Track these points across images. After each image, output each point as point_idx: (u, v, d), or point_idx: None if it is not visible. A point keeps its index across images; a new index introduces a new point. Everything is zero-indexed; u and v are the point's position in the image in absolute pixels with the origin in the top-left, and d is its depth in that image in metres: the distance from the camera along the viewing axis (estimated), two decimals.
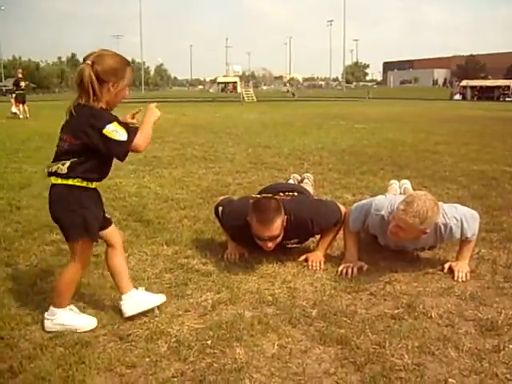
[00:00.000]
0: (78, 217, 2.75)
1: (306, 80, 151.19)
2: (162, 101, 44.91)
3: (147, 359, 2.62)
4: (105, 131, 2.63)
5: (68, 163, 2.72)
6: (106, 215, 2.97)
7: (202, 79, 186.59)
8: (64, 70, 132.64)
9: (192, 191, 6.43)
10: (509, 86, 53.04)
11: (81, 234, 2.79)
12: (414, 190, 6.48)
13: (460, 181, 7.11)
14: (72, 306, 2.99)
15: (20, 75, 23.31)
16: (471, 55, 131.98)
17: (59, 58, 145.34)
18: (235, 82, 74.66)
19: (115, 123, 2.66)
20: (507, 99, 49.00)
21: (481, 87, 55.30)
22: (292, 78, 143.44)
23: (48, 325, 2.89)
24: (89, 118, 2.65)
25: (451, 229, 3.69)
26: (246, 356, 2.63)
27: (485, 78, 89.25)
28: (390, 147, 10.83)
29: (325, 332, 2.86)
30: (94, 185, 2.82)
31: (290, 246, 4.13)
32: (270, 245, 3.70)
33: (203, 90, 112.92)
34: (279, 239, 3.74)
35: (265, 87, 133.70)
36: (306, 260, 3.97)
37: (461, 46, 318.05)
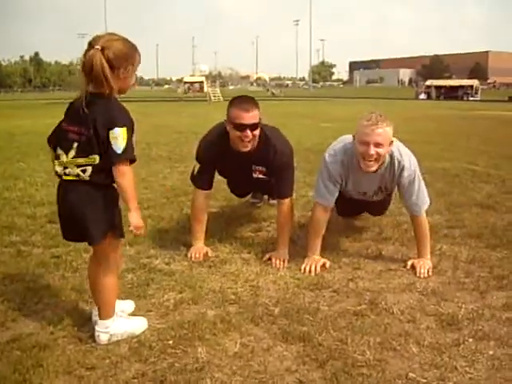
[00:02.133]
0: (107, 214, 2.65)
1: (272, 79, 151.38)
2: (126, 100, 44.51)
3: (107, 361, 2.57)
4: (111, 132, 2.49)
5: (89, 171, 2.56)
6: None
7: (168, 78, 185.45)
8: (27, 69, 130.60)
9: (156, 191, 6.37)
10: (472, 86, 53.93)
11: (108, 233, 2.67)
12: None
13: (424, 178, 7.14)
14: (119, 312, 2.88)
15: None
16: (435, 55, 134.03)
17: (22, 57, 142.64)
18: (202, 82, 74.40)
19: (124, 129, 2.53)
20: (471, 98, 49.81)
21: (445, 87, 56.10)
22: (259, 78, 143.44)
23: (104, 338, 2.72)
24: (104, 113, 2.51)
25: (403, 169, 3.82)
26: (207, 355, 2.61)
27: (449, 77, 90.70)
28: None
29: (287, 330, 2.85)
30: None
31: (256, 175, 4.13)
32: (249, 134, 3.77)
33: (170, 89, 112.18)
34: (256, 133, 3.84)
35: (231, 87, 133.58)
36: (270, 259, 3.95)
37: (427, 46, 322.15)
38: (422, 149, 10.42)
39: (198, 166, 4.20)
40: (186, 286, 3.45)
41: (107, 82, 2.47)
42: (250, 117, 3.77)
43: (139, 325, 2.86)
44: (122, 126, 2.51)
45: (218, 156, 4.06)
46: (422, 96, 53.71)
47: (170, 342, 2.73)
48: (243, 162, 4.03)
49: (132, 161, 2.61)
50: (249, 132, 3.79)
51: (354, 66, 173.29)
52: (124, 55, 2.53)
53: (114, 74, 2.51)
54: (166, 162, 8.81)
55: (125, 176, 2.56)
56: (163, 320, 3.00)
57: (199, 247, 4.10)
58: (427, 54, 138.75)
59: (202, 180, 4.21)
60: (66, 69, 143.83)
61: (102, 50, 2.46)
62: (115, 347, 2.69)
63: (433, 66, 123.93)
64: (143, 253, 4.10)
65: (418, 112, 26.01)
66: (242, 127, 3.78)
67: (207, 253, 4.07)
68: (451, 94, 52.86)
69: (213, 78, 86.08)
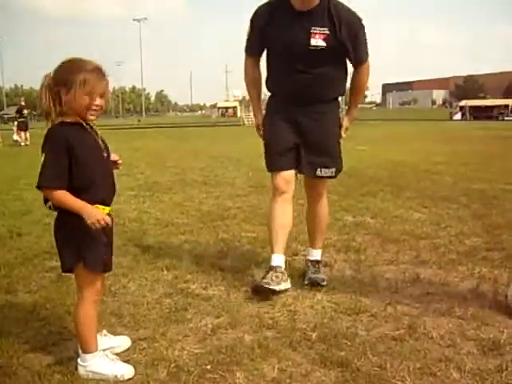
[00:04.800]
0: (74, 244, 2.58)
1: None
2: (161, 126, 45.35)
3: None
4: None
5: None
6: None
7: (202, 104, 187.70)
8: None
9: (192, 216, 6.43)
10: (507, 106, 53.26)
11: (77, 264, 2.59)
12: (415, 211, 6.52)
13: (460, 200, 7.11)
14: (107, 352, 2.78)
15: (23, 103, 23.88)
16: (469, 75, 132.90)
17: None
18: (235, 107, 75.11)
19: (43, 156, 2.47)
20: (506, 118, 49.19)
21: (479, 107, 55.53)
22: None
23: (81, 371, 2.68)
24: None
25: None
26: (245, 380, 2.61)
27: (483, 97, 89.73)
28: (389, 168, 10.86)
29: (325, 355, 2.83)
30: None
31: (315, 41, 3.52)
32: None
33: (204, 115, 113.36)
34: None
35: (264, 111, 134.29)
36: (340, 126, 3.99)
37: (460, 65, 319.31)
38: (457, 170, 10.36)
39: (249, 30, 3.84)
40: (224, 311, 3.46)
41: (53, 105, 2.50)
42: None
43: (124, 371, 2.68)
44: (43, 153, 2.49)
45: (273, 18, 3.64)
46: (457, 117, 53.26)
47: (208, 366, 2.74)
48: (301, 24, 3.55)
49: (47, 187, 2.48)
50: None
51: (386, 88, 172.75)
52: (63, 77, 2.48)
53: (57, 98, 2.49)
54: (202, 186, 8.89)
55: (53, 201, 2.53)
56: (201, 345, 3.01)
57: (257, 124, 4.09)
58: (460, 75, 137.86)
59: (251, 44, 3.87)
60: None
61: (50, 75, 2.52)
62: (154, 372, 2.71)
63: (466, 87, 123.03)
64: (180, 278, 4.13)
65: (453, 133, 25.75)
66: None
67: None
68: (486, 113, 52.31)
69: (246, 102, 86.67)
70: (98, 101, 2.54)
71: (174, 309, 3.51)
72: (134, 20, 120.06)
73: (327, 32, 3.51)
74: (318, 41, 3.52)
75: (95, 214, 2.46)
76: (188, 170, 11.26)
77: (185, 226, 5.82)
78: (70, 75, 2.48)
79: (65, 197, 2.47)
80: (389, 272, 4.18)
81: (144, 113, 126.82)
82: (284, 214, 3.88)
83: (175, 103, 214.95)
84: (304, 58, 3.59)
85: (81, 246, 2.57)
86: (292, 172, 3.89)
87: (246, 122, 43.99)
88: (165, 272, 4.24)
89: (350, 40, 3.56)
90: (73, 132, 2.52)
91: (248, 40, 3.86)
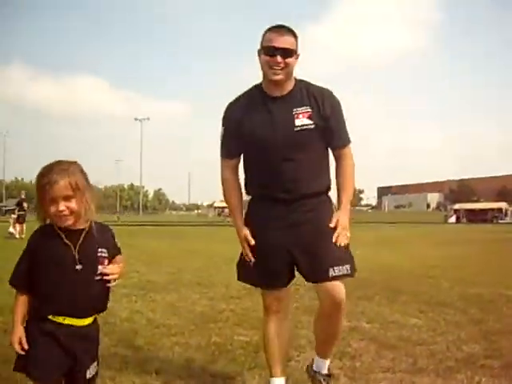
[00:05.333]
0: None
1: None
2: (159, 225, 45.49)
3: None
4: None
5: None
6: (88, 374, 2.62)
7: (199, 203, 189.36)
8: None
9: (185, 317, 6.30)
10: (501, 209, 53.89)
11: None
12: (411, 317, 6.42)
13: (457, 305, 7.02)
14: None
15: (23, 196, 24.44)
16: (461, 180, 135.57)
17: None
18: None
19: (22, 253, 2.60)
20: (500, 221, 49.64)
21: (474, 210, 56.18)
22: None
23: None
24: None
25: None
26: None
27: (477, 201, 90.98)
28: (384, 271, 10.80)
29: None
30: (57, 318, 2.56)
31: (300, 120, 3.26)
32: (279, 60, 3.16)
33: (200, 214, 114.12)
34: (290, 62, 3.18)
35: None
36: (334, 228, 3.27)
37: (453, 169, 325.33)
38: (454, 274, 10.32)
39: (222, 131, 3.52)
40: None
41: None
42: (282, 40, 3.22)
43: None
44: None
45: (248, 110, 3.39)
46: (451, 220, 53.74)
47: None
48: (281, 108, 3.32)
49: (14, 285, 2.60)
50: (279, 58, 3.21)
51: (382, 192, 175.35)
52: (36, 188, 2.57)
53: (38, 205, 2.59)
54: (196, 287, 8.77)
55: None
56: None
57: (244, 235, 3.47)
58: (454, 179, 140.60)
59: (227, 147, 3.51)
60: (102, 193, 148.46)
61: None
62: None
63: (460, 190, 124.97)
64: (169, 383, 3.99)
65: (448, 236, 25.88)
66: (271, 50, 3.23)
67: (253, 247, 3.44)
68: (480, 217, 52.91)
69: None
70: (61, 206, 2.47)
71: None
72: (136, 120, 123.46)
73: (309, 110, 3.29)
74: (302, 120, 3.28)
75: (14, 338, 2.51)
76: (183, 269, 11.17)
77: (176, 328, 5.69)
78: (36, 181, 2.55)
79: (16, 303, 2.56)
80: (385, 380, 4.05)
81: (141, 210, 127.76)
82: (280, 334, 3.59)
83: (172, 201, 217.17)
84: (289, 143, 3.27)
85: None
86: (286, 289, 3.57)
87: None
88: (154, 375, 4.10)
89: (333, 117, 3.35)
90: (42, 237, 2.57)
91: (223, 144, 3.53)
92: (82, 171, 2.60)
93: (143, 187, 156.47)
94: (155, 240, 22.90)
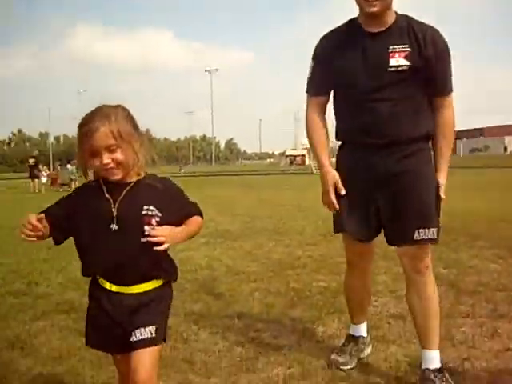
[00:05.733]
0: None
1: None
2: (232, 174, 45.97)
3: None
4: None
5: None
6: (133, 337, 2.20)
7: (270, 152, 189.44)
8: None
9: (262, 264, 6.46)
10: None
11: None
12: (491, 262, 6.30)
13: None
14: None
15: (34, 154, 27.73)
16: None
17: None
18: (303, 155, 75.53)
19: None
20: None
21: None
22: None
23: None
24: None
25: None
26: None
27: None
28: (462, 217, 10.57)
29: None
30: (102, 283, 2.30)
31: (396, 60, 2.88)
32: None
33: (272, 163, 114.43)
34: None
35: (333, 159, 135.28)
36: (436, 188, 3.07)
37: None
38: None
39: (312, 66, 3.20)
40: (295, 361, 3.43)
41: None
42: None
43: None
44: None
45: (341, 44, 3.05)
46: None
47: None
48: (376, 45, 2.96)
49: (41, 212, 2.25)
50: None
51: (457, 136, 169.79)
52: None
53: None
54: (271, 234, 8.92)
55: None
56: None
57: (332, 177, 3.12)
58: None
59: (316, 83, 3.20)
60: (174, 145, 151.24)
61: None
62: None
63: None
64: (251, 326, 4.13)
65: None
66: None
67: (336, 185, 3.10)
68: None
69: None
70: (105, 158, 2.15)
71: (245, 357, 3.51)
72: (206, 71, 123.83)
73: (409, 49, 2.89)
74: (398, 60, 2.89)
75: None
76: (257, 217, 11.34)
77: (255, 274, 5.85)
78: (77, 131, 2.24)
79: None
80: (465, 325, 4.04)
81: (214, 161, 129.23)
82: (362, 285, 3.47)
83: (244, 151, 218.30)
84: (381, 83, 2.93)
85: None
86: (369, 244, 3.27)
87: (314, 171, 43.89)
88: (236, 320, 4.26)
89: (437, 60, 2.93)
90: (85, 188, 2.31)
91: (311, 80, 3.20)
92: (127, 116, 2.24)
93: (215, 138, 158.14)
94: (228, 190, 23.23)
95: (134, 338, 2.18)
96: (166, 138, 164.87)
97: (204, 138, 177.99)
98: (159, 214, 2.20)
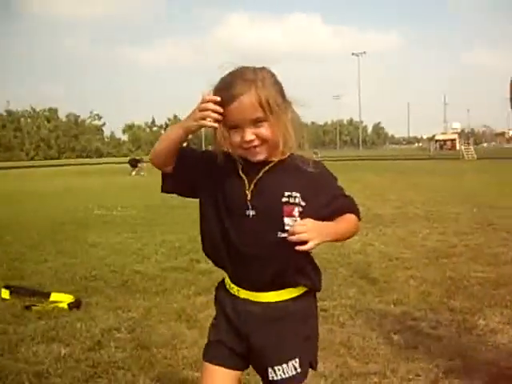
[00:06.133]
0: None
1: None
2: (379, 159, 45.21)
3: None
4: None
5: None
6: (272, 374, 1.77)
7: (419, 137, 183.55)
8: None
9: (417, 251, 6.28)
10: None
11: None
12: None
13: None
14: None
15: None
16: None
17: None
18: (454, 140, 72.53)
19: None
20: None
21: None
22: None
23: None
24: None
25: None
26: None
27: None
28: None
29: None
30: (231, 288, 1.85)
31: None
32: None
33: (421, 147, 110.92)
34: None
35: (485, 144, 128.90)
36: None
37: None
38: None
39: None
40: (456, 354, 3.30)
41: None
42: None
43: None
44: None
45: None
46: None
47: None
48: None
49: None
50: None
51: None
52: None
53: None
54: (424, 221, 8.65)
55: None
56: None
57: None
58: None
59: None
60: (321, 129, 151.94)
61: None
62: None
63: None
64: (408, 314, 4.04)
65: None
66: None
67: None
68: None
69: (465, 135, 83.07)
70: (248, 134, 1.68)
71: (403, 346, 3.44)
72: (353, 54, 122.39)
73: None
74: None
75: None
76: (408, 203, 11.05)
77: (409, 261, 5.71)
78: None
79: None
80: None
81: (361, 145, 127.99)
82: None
83: (392, 135, 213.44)
84: None
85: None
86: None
87: (465, 156, 42.01)
88: (392, 307, 4.19)
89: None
90: (217, 159, 1.78)
91: None
92: (275, 83, 1.75)
93: (362, 122, 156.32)
94: (376, 174, 22.89)
95: (272, 376, 1.77)
96: (312, 122, 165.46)
97: (351, 122, 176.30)
98: (303, 204, 1.71)
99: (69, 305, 4.32)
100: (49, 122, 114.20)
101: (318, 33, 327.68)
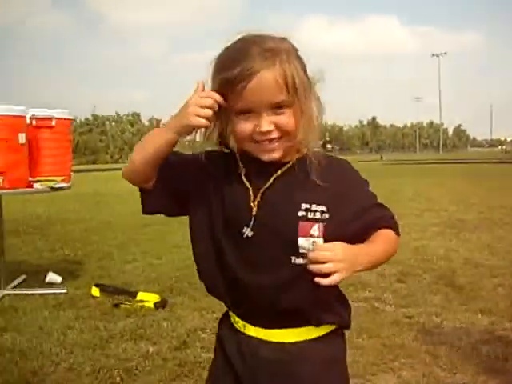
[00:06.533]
0: None
1: None
2: (460, 162, 43.75)
3: None
4: None
5: None
6: None
7: (502, 139, 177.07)
8: (365, 133, 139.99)
9: (504, 258, 6.05)
10: None
11: None
12: None
13: None
14: None
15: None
16: None
17: (360, 122, 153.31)
18: None
19: None
20: None
21: None
22: None
23: None
24: None
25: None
26: None
27: None
28: None
29: None
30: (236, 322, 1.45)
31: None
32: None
33: (505, 150, 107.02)
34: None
35: None
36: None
37: None
38: None
39: None
40: None
41: None
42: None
43: None
44: None
45: None
46: None
47: None
48: None
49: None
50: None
51: None
52: None
53: None
54: (510, 227, 8.31)
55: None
56: None
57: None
58: None
59: None
60: (400, 131, 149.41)
61: None
62: None
63: None
64: (497, 324, 3.90)
65: None
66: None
67: None
68: None
69: None
70: (264, 123, 1.26)
71: (492, 357, 3.33)
72: (433, 55, 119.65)
73: None
74: None
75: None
76: (494, 208, 10.65)
77: (496, 269, 5.51)
78: (215, 73, 1.34)
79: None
80: None
81: (441, 148, 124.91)
82: None
83: (473, 138, 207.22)
84: None
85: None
86: None
87: None
88: (479, 316, 4.06)
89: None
90: (213, 157, 1.42)
91: None
92: (299, 57, 1.32)
93: (442, 124, 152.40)
94: (458, 178, 22.20)
95: None
96: (391, 125, 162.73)
97: (431, 124, 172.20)
98: (325, 218, 1.29)
99: (155, 304, 4.44)
100: (132, 126, 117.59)
101: (396, 34, 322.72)
